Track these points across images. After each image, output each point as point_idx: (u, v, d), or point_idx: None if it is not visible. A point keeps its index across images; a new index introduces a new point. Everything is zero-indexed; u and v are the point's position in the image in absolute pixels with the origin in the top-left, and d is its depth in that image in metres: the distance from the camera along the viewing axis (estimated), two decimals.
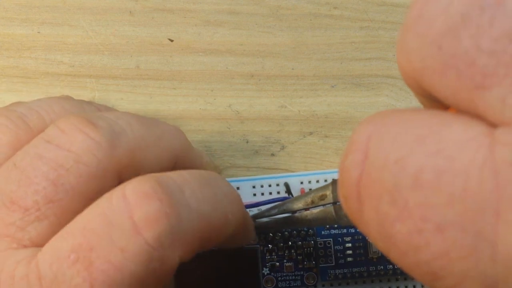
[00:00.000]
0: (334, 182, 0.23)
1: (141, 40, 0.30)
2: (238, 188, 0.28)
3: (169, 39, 0.30)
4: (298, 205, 0.24)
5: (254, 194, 0.28)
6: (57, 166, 0.19)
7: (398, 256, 0.14)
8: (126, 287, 0.18)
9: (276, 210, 0.25)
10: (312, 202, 0.23)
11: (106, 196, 0.19)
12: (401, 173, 0.14)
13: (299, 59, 0.30)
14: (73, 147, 0.20)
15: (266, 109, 0.30)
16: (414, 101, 0.30)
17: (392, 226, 0.14)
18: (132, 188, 0.19)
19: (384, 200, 0.14)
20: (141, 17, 0.30)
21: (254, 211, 0.28)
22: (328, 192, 0.23)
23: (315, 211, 0.23)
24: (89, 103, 0.26)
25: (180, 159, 0.23)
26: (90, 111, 0.24)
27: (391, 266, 0.27)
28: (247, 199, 0.28)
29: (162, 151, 0.22)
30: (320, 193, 0.23)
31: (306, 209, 0.23)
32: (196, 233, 0.19)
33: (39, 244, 0.19)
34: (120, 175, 0.20)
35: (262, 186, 0.28)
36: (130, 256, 0.18)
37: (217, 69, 0.30)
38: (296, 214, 0.24)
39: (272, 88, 0.30)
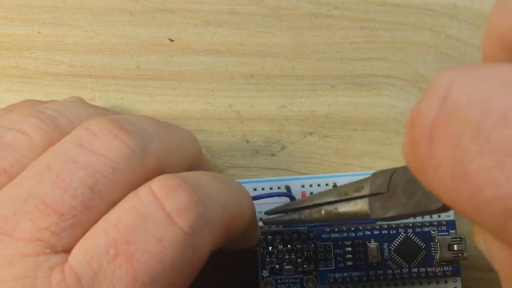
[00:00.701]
0: (375, 175, 0.22)
1: (142, 40, 0.30)
2: None
3: (170, 39, 0.30)
4: (330, 198, 0.23)
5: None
6: (95, 172, 0.19)
7: (470, 194, 0.14)
8: (167, 276, 0.18)
9: (295, 206, 0.25)
10: (346, 193, 0.23)
11: (132, 194, 0.19)
12: (487, 110, 0.14)
13: (300, 59, 0.30)
14: (108, 153, 0.19)
15: (266, 109, 0.30)
16: (414, 101, 0.30)
17: (471, 161, 0.14)
18: (158, 184, 0.19)
19: (465, 136, 0.14)
20: (141, 17, 0.30)
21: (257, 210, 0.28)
22: (366, 184, 0.22)
23: (346, 204, 0.23)
24: (105, 109, 0.25)
25: (194, 164, 0.23)
26: (111, 115, 0.23)
27: (390, 271, 0.27)
28: None
29: (182, 157, 0.22)
30: (356, 186, 0.23)
31: (337, 201, 0.23)
32: (220, 221, 0.20)
33: (69, 250, 0.19)
34: (147, 181, 0.20)
35: (263, 189, 0.28)
36: (168, 245, 0.18)
37: (218, 69, 0.30)
38: (326, 207, 0.24)
39: (273, 88, 0.30)
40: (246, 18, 0.30)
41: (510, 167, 0.13)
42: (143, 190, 0.19)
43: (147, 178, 0.20)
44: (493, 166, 0.14)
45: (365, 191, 0.22)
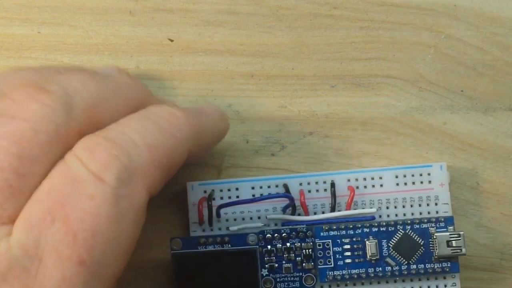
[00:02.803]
0: None
1: (141, 40, 0.30)
2: (237, 189, 0.28)
3: (169, 39, 0.30)
4: None
5: (253, 195, 0.29)
6: (17, 139, 0.20)
7: None
8: (107, 229, 0.19)
9: None
10: None
11: (60, 161, 0.20)
12: None
13: (299, 59, 0.30)
14: (28, 116, 0.20)
15: (266, 109, 0.30)
16: (414, 101, 0.30)
17: None
18: (81, 147, 0.20)
19: None
20: (141, 17, 0.30)
21: (253, 211, 0.28)
22: None
23: None
24: (49, 67, 0.25)
25: (141, 107, 0.24)
26: (49, 76, 0.24)
27: (389, 268, 0.27)
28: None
29: (119, 104, 0.23)
30: None
31: None
32: (150, 163, 0.21)
33: (16, 219, 0.20)
34: (81, 134, 0.21)
35: (261, 187, 0.29)
36: (100, 200, 0.19)
37: (217, 69, 0.30)
38: None
39: (272, 88, 0.30)
40: (245, 18, 0.30)
41: None
42: (68, 156, 0.20)
43: (81, 133, 0.21)
44: None
45: None
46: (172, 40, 0.30)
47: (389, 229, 0.28)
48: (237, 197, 0.28)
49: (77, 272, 0.19)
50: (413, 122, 0.30)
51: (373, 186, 0.28)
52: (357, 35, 0.30)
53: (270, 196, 0.28)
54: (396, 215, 0.28)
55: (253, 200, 0.28)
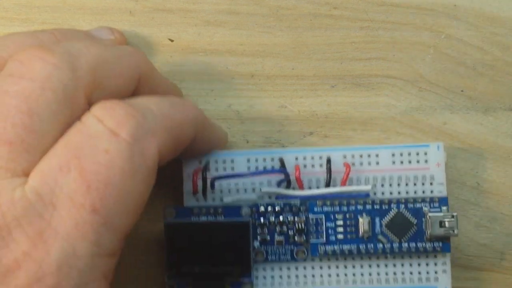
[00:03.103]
0: None
1: (141, 40, 0.30)
2: (232, 161, 0.28)
3: (169, 39, 0.30)
4: None
5: (249, 168, 0.28)
6: (26, 98, 0.20)
7: None
8: (119, 182, 0.20)
9: None
10: None
11: (77, 122, 0.21)
12: None
13: (299, 59, 0.30)
14: (35, 75, 0.21)
15: (266, 109, 0.30)
16: (414, 101, 0.30)
17: None
18: (98, 107, 0.21)
19: None
20: (141, 17, 0.30)
21: (247, 184, 0.28)
22: None
23: None
24: (44, 31, 0.26)
25: (144, 78, 0.25)
26: (47, 40, 0.24)
27: (381, 245, 0.27)
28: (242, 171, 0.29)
29: (123, 68, 0.24)
30: None
31: None
32: (164, 127, 0.22)
33: (30, 174, 0.20)
34: (88, 98, 0.22)
35: (256, 161, 0.28)
36: (114, 153, 0.20)
37: (217, 69, 0.30)
38: None
39: (272, 88, 0.30)
40: (245, 18, 0.30)
41: None
42: (85, 115, 0.21)
43: (88, 96, 0.22)
44: None
45: None
46: (172, 40, 0.30)
47: (383, 207, 0.28)
48: (232, 169, 0.28)
49: (89, 220, 0.20)
50: (413, 122, 0.30)
51: (369, 163, 0.28)
52: (357, 35, 0.30)
53: (265, 171, 0.28)
54: (391, 193, 0.28)
55: (248, 174, 0.28)
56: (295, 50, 0.30)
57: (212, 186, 0.28)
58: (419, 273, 0.28)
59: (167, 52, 0.30)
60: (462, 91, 0.30)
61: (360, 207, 0.28)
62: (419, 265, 0.28)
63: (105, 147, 0.20)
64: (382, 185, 0.28)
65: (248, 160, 0.28)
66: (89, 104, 0.22)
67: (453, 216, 0.27)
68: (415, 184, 0.28)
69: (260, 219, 0.28)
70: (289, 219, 0.28)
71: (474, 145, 0.30)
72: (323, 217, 0.28)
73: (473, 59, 0.30)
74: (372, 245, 0.27)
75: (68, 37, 0.25)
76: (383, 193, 0.28)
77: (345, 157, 0.28)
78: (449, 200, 0.29)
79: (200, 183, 0.28)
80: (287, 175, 0.28)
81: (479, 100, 0.30)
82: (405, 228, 0.27)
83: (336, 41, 0.30)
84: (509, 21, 0.30)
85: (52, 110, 0.21)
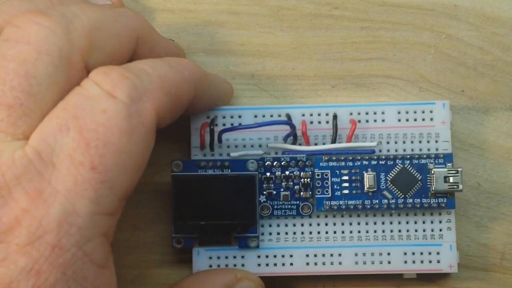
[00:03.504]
0: None
1: None
2: (240, 116, 0.29)
3: (170, 39, 0.29)
4: None
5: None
6: (23, 61, 0.21)
7: None
8: (117, 141, 0.21)
9: None
10: None
11: (76, 86, 0.22)
12: None
13: (300, 59, 0.30)
14: (31, 39, 0.21)
15: None
16: (414, 101, 0.30)
17: None
18: (95, 72, 0.22)
19: None
20: None
21: (254, 139, 0.28)
22: None
23: None
24: None
25: (142, 38, 0.25)
26: (43, 6, 0.25)
27: (386, 201, 0.28)
28: None
29: (119, 30, 0.24)
30: None
31: None
32: (160, 88, 0.23)
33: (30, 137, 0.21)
34: (85, 61, 0.22)
35: (263, 116, 0.29)
36: (112, 113, 0.21)
37: (218, 69, 0.30)
38: None
39: (273, 88, 0.30)
40: (246, 18, 0.30)
41: None
42: (84, 81, 0.22)
43: (84, 58, 0.22)
44: None
45: None
46: (173, 40, 0.30)
47: (388, 163, 0.28)
48: (240, 124, 0.28)
49: (88, 178, 0.20)
50: None
51: (375, 120, 0.28)
52: (358, 35, 0.30)
53: (272, 122, 0.28)
54: (396, 150, 0.28)
55: (255, 126, 0.28)
56: (295, 50, 0.30)
57: (220, 139, 0.28)
58: (424, 230, 0.28)
59: None
60: (462, 91, 0.30)
61: (365, 162, 0.28)
62: (423, 222, 0.28)
63: (102, 107, 0.21)
64: (388, 142, 0.28)
65: (256, 116, 0.29)
66: (87, 67, 0.22)
67: (457, 172, 0.27)
68: (420, 142, 0.28)
69: (266, 173, 0.28)
70: (295, 174, 0.28)
71: (474, 145, 0.30)
72: (329, 172, 0.28)
73: (474, 59, 0.30)
74: (377, 200, 0.28)
75: (64, 2, 0.25)
76: (388, 150, 0.28)
77: (351, 114, 0.29)
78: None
79: (207, 137, 0.28)
80: (293, 127, 0.28)
81: (479, 100, 0.30)
82: (410, 184, 0.28)
83: (336, 41, 0.30)
84: (509, 21, 0.30)
85: (49, 73, 0.21)
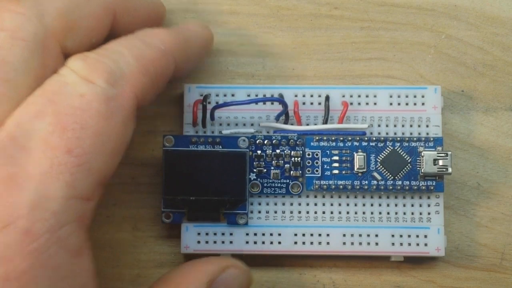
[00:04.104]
0: None
1: None
2: (233, 95, 0.29)
3: None
4: None
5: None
6: None
7: None
8: (95, 124, 0.21)
9: None
10: None
11: (54, 74, 0.22)
12: None
13: (300, 60, 0.30)
14: (4, 26, 0.21)
15: None
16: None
17: None
18: (71, 59, 0.22)
19: None
20: None
21: (246, 117, 0.28)
22: None
23: None
24: None
25: (120, 10, 0.25)
26: None
27: (375, 182, 0.28)
28: None
29: (94, 8, 0.24)
30: None
31: None
32: (137, 70, 0.22)
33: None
34: (62, 45, 0.22)
35: (256, 95, 0.29)
36: (90, 97, 0.21)
37: (218, 70, 0.30)
38: None
39: None
40: (246, 18, 0.30)
41: None
42: (61, 68, 0.22)
43: (60, 41, 0.22)
44: None
45: None
46: None
47: (379, 145, 0.28)
48: None
49: (64, 161, 0.20)
50: None
51: (367, 103, 0.29)
52: (358, 35, 0.30)
53: (264, 99, 0.28)
54: (387, 133, 0.28)
55: (247, 102, 0.28)
56: (295, 50, 0.30)
57: (212, 116, 0.28)
58: (412, 213, 0.28)
59: None
60: (462, 91, 0.30)
61: (356, 143, 0.28)
62: (412, 205, 0.28)
63: (80, 92, 0.21)
64: (379, 125, 0.29)
65: (249, 95, 0.29)
66: (65, 50, 0.22)
67: (447, 155, 0.27)
68: (411, 126, 0.28)
69: (257, 151, 0.28)
70: (285, 153, 0.28)
71: (474, 145, 0.30)
72: (319, 152, 0.28)
73: (474, 59, 0.30)
74: (366, 181, 0.28)
75: None
76: (379, 133, 0.29)
77: (343, 96, 0.29)
78: (449, 200, 0.29)
79: (200, 114, 0.28)
80: (285, 105, 0.28)
81: (479, 100, 0.30)
82: (400, 166, 0.28)
83: (336, 41, 0.30)
84: (509, 21, 0.30)
85: (25, 59, 0.21)
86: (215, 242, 0.28)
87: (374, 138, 0.28)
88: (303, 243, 0.28)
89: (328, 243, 0.28)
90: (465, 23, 0.30)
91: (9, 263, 0.19)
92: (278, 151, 0.28)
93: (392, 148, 0.28)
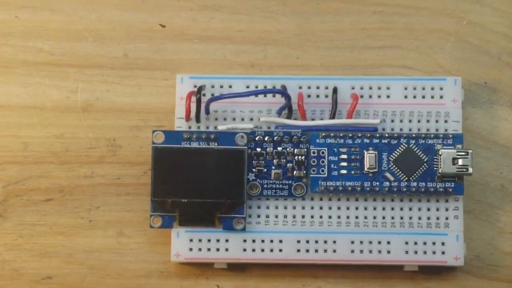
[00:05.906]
0: None
1: (130, 26, 0.30)
2: (230, 86, 0.28)
3: (161, 25, 0.29)
4: None
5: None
6: None
7: None
8: None
9: None
10: None
11: None
12: None
13: (305, 48, 0.30)
14: None
15: None
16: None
17: None
18: None
19: None
20: (130, 0, 0.30)
21: (245, 111, 0.27)
22: None
23: None
24: None
25: None
26: None
27: (387, 183, 0.27)
28: None
29: None
30: None
31: None
32: None
33: None
34: None
35: (256, 87, 0.28)
36: None
37: (214, 58, 0.29)
38: None
39: None
40: (246, 1, 0.30)
41: None
42: None
43: None
44: None
45: None
46: (164, 26, 0.30)
47: (392, 142, 0.27)
48: None
49: None
50: None
51: (379, 96, 0.28)
52: (369, 20, 0.30)
53: (264, 91, 0.27)
54: (401, 129, 0.28)
55: (246, 94, 0.27)
56: (300, 38, 0.30)
57: (207, 110, 0.27)
58: (428, 218, 0.27)
59: (158, 39, 0.30)
60: (485, 83, 0.29)
61: (366, 140, 0.27)
62: (428, 209, 0.27)
63: None
64: (392, 120, 0.28)
65: (248, 87, 0.28)
66: None
67: (467, 153, 0.26)
68: (428, 121, 0.28)
69: (256, 149, 0.27)
70: (288, 150, 0.27)
71: (498, 142, 0.29)
72: (326, 150, 0.27)
73: (498, 48, 0.30)
74: (377, 182, 0.27)
75: None
76: (392, 129, 0.28)
77: (353, 88, 0.28)
78: (469, 203, 0.28)
79: (194, 107, 0.27)
80: (288, 98, 0.27)
81: (504, 93, 0.29)
82: (415, 166, 0.27)
83: (345, 28, 0.30)
84: None
85: None
86: (209, 249, 0.27)
87: (386, 135, 0.27)
88: (307, 250, 0.27)
89: (334, 251, 0.27)
90: (489, 8, 0.30)
91: None
92: (279, 148, 0.27)
93: (406, 145, 0.27)
